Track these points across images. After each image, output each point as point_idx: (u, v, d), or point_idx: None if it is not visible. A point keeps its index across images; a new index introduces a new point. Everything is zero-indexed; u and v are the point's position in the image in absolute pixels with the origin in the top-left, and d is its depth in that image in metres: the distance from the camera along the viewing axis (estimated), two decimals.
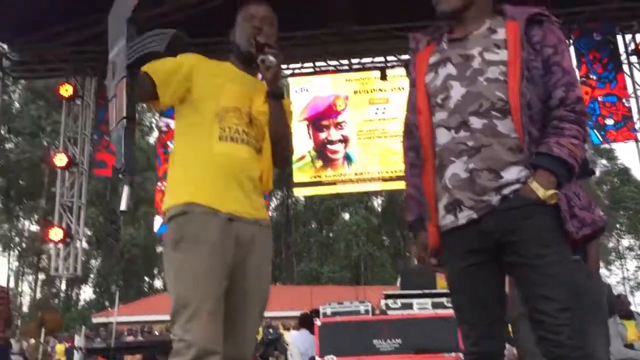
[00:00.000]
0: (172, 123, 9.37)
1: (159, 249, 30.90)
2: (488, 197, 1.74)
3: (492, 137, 1.75)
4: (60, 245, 9.06)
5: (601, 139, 8.56)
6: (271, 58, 2.07)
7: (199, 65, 2.16)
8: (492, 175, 1.73)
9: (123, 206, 1.90)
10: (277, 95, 2.14)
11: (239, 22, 2.27)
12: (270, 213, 30.50)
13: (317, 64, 10.06)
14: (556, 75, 1.78)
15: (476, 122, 1.76)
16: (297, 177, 9.39)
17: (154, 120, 34.98)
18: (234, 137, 2.08)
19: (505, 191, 1.73)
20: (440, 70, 1.88)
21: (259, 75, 2.22)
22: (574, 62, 9.02)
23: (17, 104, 29.98)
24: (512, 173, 1.73)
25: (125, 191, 1.85)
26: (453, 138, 1.80)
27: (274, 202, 35.46)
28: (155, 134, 34.61)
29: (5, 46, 9.58)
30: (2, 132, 29.20)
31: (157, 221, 9.45)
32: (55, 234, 8.79)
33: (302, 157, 9.28)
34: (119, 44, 1.76)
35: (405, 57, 10.05)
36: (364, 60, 9.99)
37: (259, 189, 2.14)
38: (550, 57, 1.79)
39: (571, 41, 9.12)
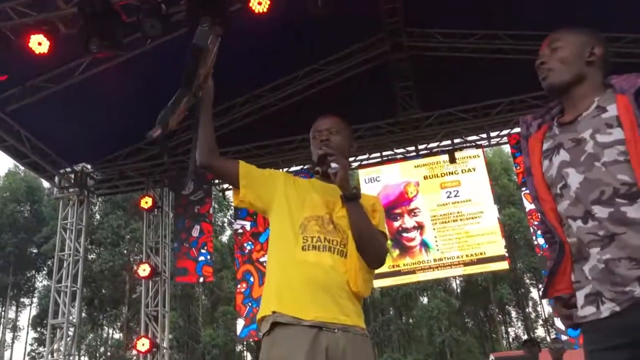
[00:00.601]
0: (247, 225, 9.57)
1: (238, 347, 30.72)
2: (631, 288, 1.60)
3: (622, 225, 1.63)
4: (148, 355, 9.14)
5: None
6: (334, 164, 2.12)
7: (286, 181, 2.28)
8: (632, 264, 1.61)
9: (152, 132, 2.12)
10: (348, 197, 2.15)
11: (311, 140, 2.38)
12: None
13: (384, 153, 10.16)
14: None
15: (600, 211, 1.66)
16: None
17: (225, 220, 35.88)
18: (317, 245, 2.12)
19: None
20: (554, 158, 1.81)
21: None
22: None
23: (97, 216, 31.52)
24: None
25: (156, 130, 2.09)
26: (582, 228, 1.71)
27: None
28: (227, 232, 35.42)
29: (89, 166, 10.19)
30: (86, 244, 30.54)
31: (239, 324, 9.48)
32: (143, 344, 8.91)
33: None
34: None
35: (472, 137, 10.04)
36: (431, 145, 10.02)
37: (349, 295, 2.11)
38: None
39: None
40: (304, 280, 2.05)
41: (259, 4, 5.96)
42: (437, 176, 9.36)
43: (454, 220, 9.07)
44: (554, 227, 1.81)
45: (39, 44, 6.11)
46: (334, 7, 5.79)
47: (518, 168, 9.65)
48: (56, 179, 9.97)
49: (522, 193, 10.06)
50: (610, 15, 7.60)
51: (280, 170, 9.94)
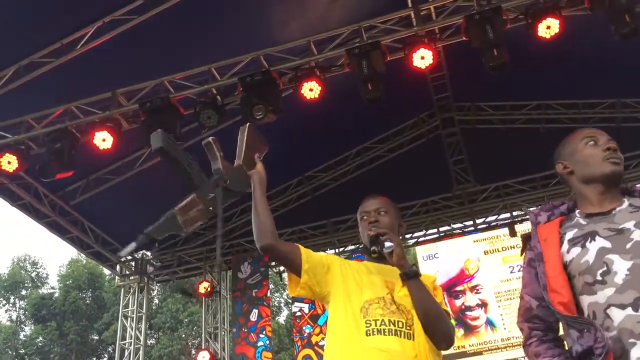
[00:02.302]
0: (305, 308, 9.44)
1: None
2: None
3: None
4: None
5: None
6: (388, 243, 2.08)
7: (342, 265, 2.24)
8: None
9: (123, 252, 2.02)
10: (409, 274, 2.09)
11: (359, 222, 2.36)
12: None
13: (442, 228, 9.99)
14: None
15: None
16: None
17: (282, 300, 35.56)
18: (381, 329, 2.02)
19: None
20: (589, 245, 1.75)
21: None
22: None
23: (156, 300, 31.82)
24: None
25: (130, 246, 1.95)
26: (631, 316, 1.60)
27: None
28: (284, 312, 35.02)
29: (148, 254, 10.39)
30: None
31: None
32: None
33: None
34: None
35: (532, 208, 9.77)
36: (490, 218, 9.81)
37: None
38: None
39: None
40: None
41: (310, 90, 6.10)
42: (498, 250, 9.08)
43: (519, 297, 8.64)
44: (576, 317, 1.71)
45: (103, 140, 6.39)
46: (384, 89, 5.87)
47: None
48: (118, 267, 10.18)
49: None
50: None
51: (334, 251, 10.05)
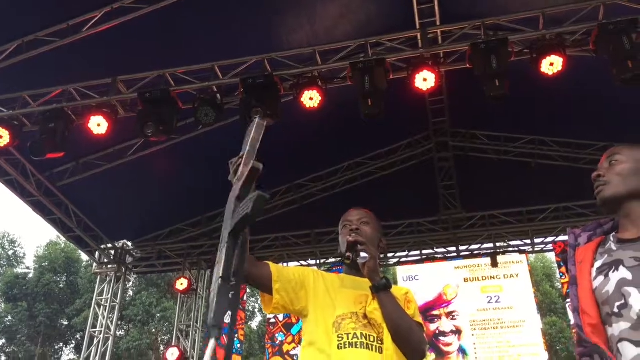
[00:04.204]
0: (280, 316, 9.40)
1: None
2: None
3: None
4: None
5: None
6: (363, 254, 2.08)
7: (315, 280, 2.23)
8: None
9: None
10: (378, 287, 2.08)
11: (340, 231, 2.35)
12: None
13: (424, 251, 10.00)
14: None
15: None
16: None
17: (257, 305, 35.37)
18: (353, 342, 2.02)
19: None
20: (611, 275, 1.70)
21: None
22: None
23: (130, 292, 31.54)
24: None
25: (211, 345, 1.77)
26: None
27: None
28: (258, 318, 34.84)
29: (129, 244, 10.32)
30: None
31: None
32: None
33: None
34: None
35: (515, 242, 9.83)
36: (473, 246, 9.84)
37: None
38: None
39: None
40: None
41: (311, 99, 6.12)
42: (478, 279, 9.11)
43: (494, 328, 8.72)
44: (597, 343, 1.67)
45: (98, 125, 6.36)
46: (384, 107, 5.89)
47: (563, 278, 9.37)
48: (97, 254, 10.09)
49: (567, 304, 9.68)
50: None
51: (316, 262, 10.02)
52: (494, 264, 9.04)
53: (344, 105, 6.88)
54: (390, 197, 9.24)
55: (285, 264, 8.42)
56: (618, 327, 1.64)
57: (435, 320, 8.95)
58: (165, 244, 10.08)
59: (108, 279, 9.97)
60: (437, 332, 8.87)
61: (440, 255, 9.89)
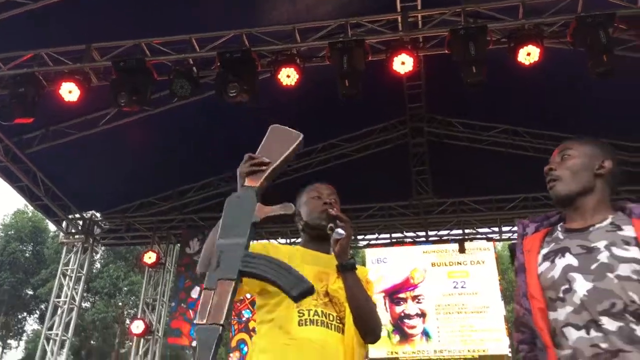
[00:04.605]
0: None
1: None
2: None
3: (630, 343, 1.58)
4: None
5: None
6: (341, 230, 2.06)
7: (274, 252, 2.15)
8: None
9: None
10: (346, 267, 2.07)
11: (306, 202, 2.30)
12: None
13: (394, 235, 10.09)
14: None
15: (609, 323, 1.61)
16: (373, 352, 8.98)
17: None
18: (314, 320, 2.01)
19: None
20: (557, 261, 1.77)
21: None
22: None
23: (98, 264, 31.25)
24: None
25: None
26: (584, 339, 1.64)
27: None
28: None
29: (98, 215, 10.20)
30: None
31: None
32: None
33: None
34: (234, 238, 1.56)
35: (483, 229, 9.97)
36: (442, 232, 9.95)
37: None
38: None
39: None
40: (299, 358, 1.93)
41: (288, 76, 6.08)
42: (445, 264, 9.23)
43: (458, 312, 8.86)
44: (540, 330, 1.73)
45: (69, 92, 6.24)
46: (361, 88, 5.89)
47: None
48: (64, 223, 9.96)
49: None
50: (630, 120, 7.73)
51: (286, 241, 10.00)
52: (462, 250, 9.16)
53: (321, 86, 6.85)
54: (363, 180, 9.27)
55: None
56: (563, 312, 1.70)
57: (401, 303, 9.06)
58: (134, 216, 9.98)
59: (75, 249, 9.85)
60: (403, 314, 8.99)
61: (410, 240, 9.99)
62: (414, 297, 9.08)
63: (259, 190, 1.65)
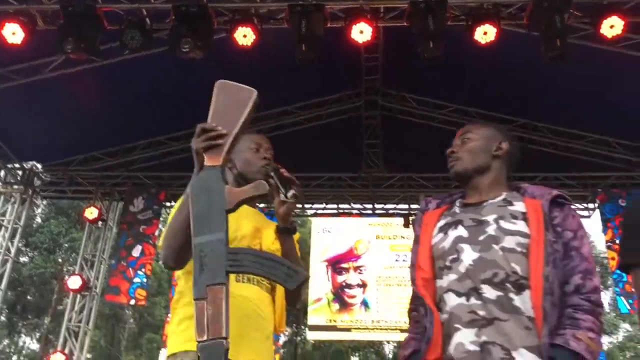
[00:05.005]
0: None
1: None
2: None
3: (506, 311, 1.66)
4: None
5: (629, 308, 8.21)
6: (292, 193, 2.02)
7: None
8: (503, 353, 1.62)
9: None
10: (290, 230, 2.07)
11: (241, 151, 2.18)
12: (279, 350, 29.32)
13: (341, 205, 10.14)
14: (574, 261, 1.73)
15: (489, 292, 1.70)
16: (313, 319, 9.10)
17: None
18: (250, 278, 1.98)
19: None
20: (450, 232, 1.86)
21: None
22: (599, 227, 9.02)
23: (39, 219, 30.42)
24: (524, 358, 1.61)
25: None
26: (463, 305, 1.72)
27: (282, 339, 34.30)
28: None
29: (39, 166, 9.86)
30: (20, 245, 29.33)
31: (162, 354, 9.10)
32: (57, 359, 8.43)
33: (319, 299, 9.06)
34: (212, 234, 1.43)
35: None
36: (388, 205, 10.06)
37: (271, 334, 2.02)
38: (570, 241, 1.77)
39: (596, 205, 9.15)
40: (237, 316, 1.84)
41: (244, 36, 5.95)
42: (389, 238, 9.37)
43: (398, 285, 9.04)
44: (423, 297, 1.81)
45: (13, 33, 5.93)
46: (318, 55, 5.83)
47: None
48: (2, 172, 9.59)
49: None
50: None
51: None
52: (406, 224, 9.30)
53: (278, 51, 6.75)
54: (314, 149, 9.26)
55: None
56: (447, 279, 1.79)
57: (343, 272, 9.17)
58: (77, 170, 9.68)
59: (13, 199, 9.52)
60: (344, 284, 9.11)
61: (356, 211, 10.07)
62: (356, 268, 9.20)
63: (223, 169, 1.52)
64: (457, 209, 1.96)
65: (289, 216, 2.05)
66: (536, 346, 1.63)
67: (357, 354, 33.23)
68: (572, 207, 1.87)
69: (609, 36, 5.44)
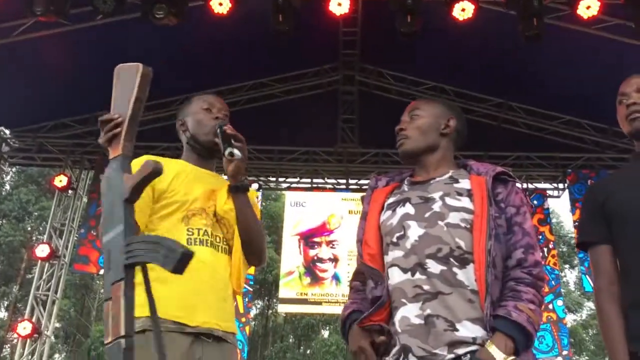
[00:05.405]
0: None
1: None
2: (441, 352, 1.63)
3: (450, 285, 1.69)
4: (28, 340, 8.57)
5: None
6: (237, 151, 1.98)
7: (163, 176, 2.01)
8: (447, 325, 1.65)
9: None
10: (240, 189, 2.03)
11: (194, 112, 2.17)
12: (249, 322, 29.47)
13: (315, 180, 10.13)
14: (516, 236, 1.77)
15: (433, 267, 1.71)
16: (284, 292, 9.14)
17: None
18: (203, 240, 1.97)
19: (460, 350, 1.63)
20: (398, 209, 1.87)
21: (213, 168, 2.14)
22: (568, 207, 9.17)
23: (7, 186, 29.91)
24: (468, 329, 1.65)
25: None
26: (408, 280, 1.74)
27: (253, 311, 34.49)
28: None
29: (7, 132, 9.64)
30: None
31: None
32: (24, 328, 8.34)
33: (291, 272, 9.08)
34: (115, 228, 1.36)
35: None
36: (362, 181, 10.08)
37: (229, 296, 2.00)
38: (513, 216, 1.80)
39: (566, 185, 9.28)
40: (189, 278, 1.82)
41: (220, 4, 5.85)
42: None
43: None
44: (373, 267, 1.83)
45: None
46: (295, 26, 5.76)
47: None
48: None
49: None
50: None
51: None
52: None
53: (255, 22, 6.64)
54: (290, 123, 9.21)
55: None
56: (392, 255, 1.81)
57: (316, 247, 9.19)
58: (47, 137, 9.48)
59: None
60: (315, 258, 9.13)
61: (330, 186, 10.07)
62: (329, 242, 9.23)
63: (123, 157, 1.42)
64: (405, 187, 1.97)
65: (238, 174, 2.02)
66: (479, 318, 1.66)
67: (327, 328, 33.64)
68: (517, 184, 1.90)
69: (585, 17, 5.48)
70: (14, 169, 28.25)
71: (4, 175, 27.64)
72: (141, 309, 1.85)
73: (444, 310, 1.66)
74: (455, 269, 1.70)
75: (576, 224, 8.69)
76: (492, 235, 1.71)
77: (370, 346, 1.75)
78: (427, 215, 1.79)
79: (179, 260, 1.23)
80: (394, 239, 1.82)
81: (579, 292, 29.37)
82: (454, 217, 1.77)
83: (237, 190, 2.03)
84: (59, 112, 9.30)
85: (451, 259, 1.72)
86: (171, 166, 2.08)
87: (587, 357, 31.32)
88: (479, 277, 1.68)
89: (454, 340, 1.64)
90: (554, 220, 19.31)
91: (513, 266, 1.74)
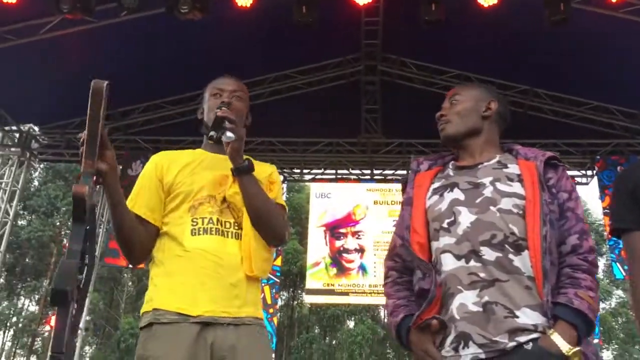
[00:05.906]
0: None
1: None
2: (502, 340, 1.60)
3: (506, 272, 1.66)
4: None
5: (624, 274, 8.28)
6: (229, 134, 1.91)
7: (168, 165, 2.07)
8: (507, 312, 1.62)
9: None
10: (240, 170, 1.97)
11: (206, 100, 2.16)
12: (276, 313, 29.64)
13: (340, 171, 10.14)
14: (570, 222, 1.74)
15: (488, 254, 1.68)
16: (310, 283, 9.18)
17: None
18: (207, 228, 1.94)
19: (521, 338, 1.59)
20: (446, 195, 1.83)
21: None
22: (597, 193, 9.04)
23: (36, 182, 30.44)
24: (528, 316, 1.61)
25: None
26: (462, 267, 1.70)
27: (279, 302, 34.70)
28: None
29: (36, 129, 9.81)
30: (18, 209, 29.38)
31: None
32: None
33: (317, 264, 9.12)
34: (73, 246, 1.38)
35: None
36: (387, 171, 10.06)
37: (242, 281, 1.94)
38: (565, 202, 1.77)
39: (594, 172, 9.16)
40: (192, 270, 1.88)
41: None
42: (387, 203, 9.39)
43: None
44: (422, 259, 1.79)
45: None
46: (318, 18, 5.75)
47: None
48: None
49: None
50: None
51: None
52: (404, 190, 9.30)
53: (278, 15, 6.65)
54: (313, 114, 9.21)
55: None
56: (443, 241, 1.77)
57: (342, 237, 9.22)
58: (75, 132, 9.63)
59: (10, 162, 9.49)
60: (342, 249, 9.16)
61: (355, 177, 10.07)
62: (354, 233, 9.24)
63: (88, 173, 1.46)
64: (450, 172, 1.93)
65: (236, 155, 1.96)
66: (538, 304, 1.63)
67: (353, 318, 33.71)
68: (565, 170, 1.88)
69: (614, 0, 5.37)
70: (42, 165, 28.74)
71: (33, 172, 28.15)
72: (147, 304, 1.92)
73: (502, 297, 1.64)
74: (511, 256, 1.68)
75: (606, 210, 8.57)
76: (546, 220, 1.69)
77: (434, 347, 1.72)
78: (478, 201, 1.76)
79: (54, 295, 1.26)
80: (444, 225, 1.78)
81: (607, 280, 28.97)
82: (506, 203, 1.74)
83: (238, 172, 1.98)
84: (85, 109, 9.40)
85: (506, 246, 1.69)
86: (181, 158, 2.09)
87: (616, 345, 30.97)
88: (535, 263, 1.65)
89: (515, 328, 1.61)
90: None
91: (568, 252, 1.71)
